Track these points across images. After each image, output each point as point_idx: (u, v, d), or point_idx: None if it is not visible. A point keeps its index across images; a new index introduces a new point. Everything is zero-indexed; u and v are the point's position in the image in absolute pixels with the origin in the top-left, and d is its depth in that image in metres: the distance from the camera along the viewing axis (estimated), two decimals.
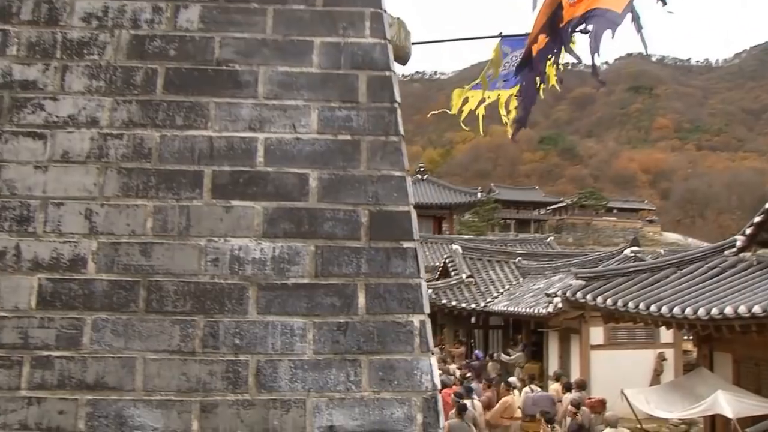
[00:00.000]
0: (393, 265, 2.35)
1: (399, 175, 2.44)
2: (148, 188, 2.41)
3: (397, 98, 2.56)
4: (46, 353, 2.23)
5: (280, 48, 2.60)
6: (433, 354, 2.31)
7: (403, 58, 3.10)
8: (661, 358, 19.09)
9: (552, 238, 44.25)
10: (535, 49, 5.85)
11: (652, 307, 12.80)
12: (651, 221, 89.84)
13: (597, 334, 18.83)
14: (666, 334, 18.34)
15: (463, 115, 7.74)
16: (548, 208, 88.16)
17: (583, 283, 15.41)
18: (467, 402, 12.90)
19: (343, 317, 2.30)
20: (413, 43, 3.25)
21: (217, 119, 2.50)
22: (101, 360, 2.23)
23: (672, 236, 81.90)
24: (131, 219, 2.38)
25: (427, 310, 2.35)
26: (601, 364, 18.39)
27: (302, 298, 2.32)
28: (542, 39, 5.70)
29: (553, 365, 20.35)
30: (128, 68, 2.54)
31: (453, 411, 12.79)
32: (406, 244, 2.38)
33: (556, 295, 16.69)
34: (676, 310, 12.14)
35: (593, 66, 5.08)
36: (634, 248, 19.30)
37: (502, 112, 7.52)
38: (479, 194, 51.84)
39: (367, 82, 2.58)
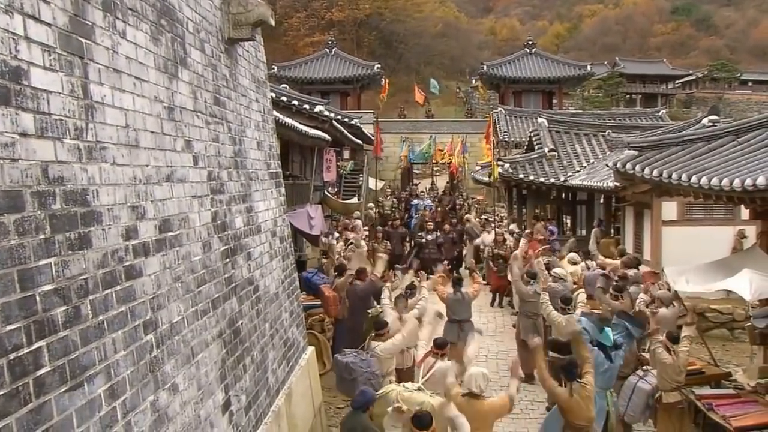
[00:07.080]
0: None
1: None
2: None
3: None
4: None
5: None
6: None
7: None
8: (741, 235, 17.68)
9: (664, 111, 41.44)
10: None
11: (693, 179, 11.68)
12: None
13: (670, 209, 17.63)
14: (747, 210, 16.95)
15: None
16: (677, 81, 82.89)
17: (635, 153, 14.27)
18: None
19: None
20: None
21: None
22: None
23: None
24: None
25: None
26: (675, 241, 17.28)
27: None
28: None
29: (628, 241, 19.57)
30: None
31: None
32: None
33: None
34: (714, 180, 11.05)
35: None
36: (713, 117, 17.47)
37: None
38: (589, 67, 48.95)
39: None
